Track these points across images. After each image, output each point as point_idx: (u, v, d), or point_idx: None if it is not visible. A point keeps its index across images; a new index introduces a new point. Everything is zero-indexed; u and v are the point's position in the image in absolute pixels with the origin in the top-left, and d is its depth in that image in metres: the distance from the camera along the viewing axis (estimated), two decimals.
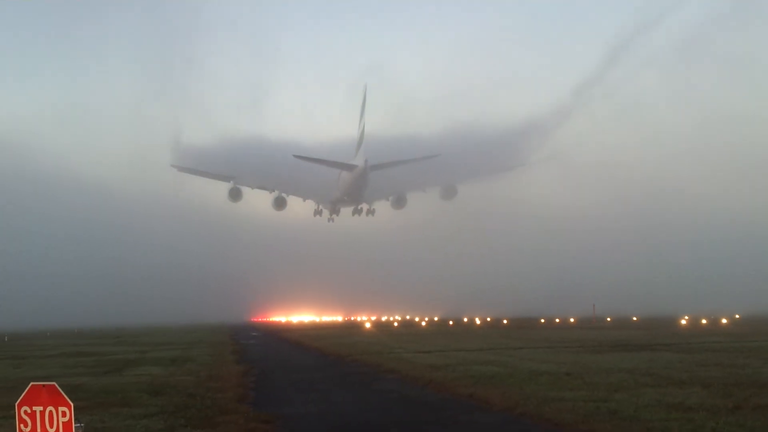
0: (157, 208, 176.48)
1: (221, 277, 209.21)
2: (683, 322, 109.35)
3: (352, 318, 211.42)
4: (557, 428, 20.25)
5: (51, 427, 11.93)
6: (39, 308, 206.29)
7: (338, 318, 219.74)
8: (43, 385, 12.09)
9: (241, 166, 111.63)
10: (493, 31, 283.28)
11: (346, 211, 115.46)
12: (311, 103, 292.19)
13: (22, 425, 12.02)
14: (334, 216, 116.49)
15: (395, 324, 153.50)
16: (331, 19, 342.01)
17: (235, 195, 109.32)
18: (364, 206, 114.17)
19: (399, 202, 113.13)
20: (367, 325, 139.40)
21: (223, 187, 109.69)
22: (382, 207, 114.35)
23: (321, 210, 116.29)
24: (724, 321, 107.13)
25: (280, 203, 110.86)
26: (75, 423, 11.93)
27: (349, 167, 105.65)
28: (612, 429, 19.01)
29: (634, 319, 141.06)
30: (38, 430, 11.91)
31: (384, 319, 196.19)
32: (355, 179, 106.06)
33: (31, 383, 12.18)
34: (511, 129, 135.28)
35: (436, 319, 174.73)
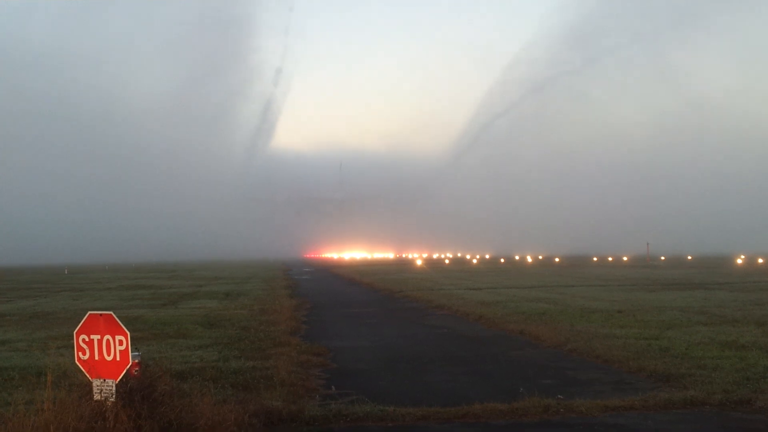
0: (227, 161, 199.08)
1: (277, 214, 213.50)
2: (739, 261, 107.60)
3: (404, 255, 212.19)
4: (607, 364, 20.16)
5: (108, 355, 12.18)
6: (99, 243, 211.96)
7: (389, 255, 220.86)
8: (101, 314, 12.32)
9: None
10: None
11: None
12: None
13: (80, 353, 12.32)
14: None
15: (446, 261, 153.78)
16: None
17: None
18: None
19: None
20: (419, 262, 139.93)
21: None
22: None
23: None
24: None
25: None
26: (132, 351, 12.18)
27: None
28: (663, 366, 18.84)
29: (689, 258, 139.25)
30: (96, 357, 12.18)
31: (435, 256, 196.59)
32: None
33: (89, 312, 12.43)
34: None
35: (487, 257, 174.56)
